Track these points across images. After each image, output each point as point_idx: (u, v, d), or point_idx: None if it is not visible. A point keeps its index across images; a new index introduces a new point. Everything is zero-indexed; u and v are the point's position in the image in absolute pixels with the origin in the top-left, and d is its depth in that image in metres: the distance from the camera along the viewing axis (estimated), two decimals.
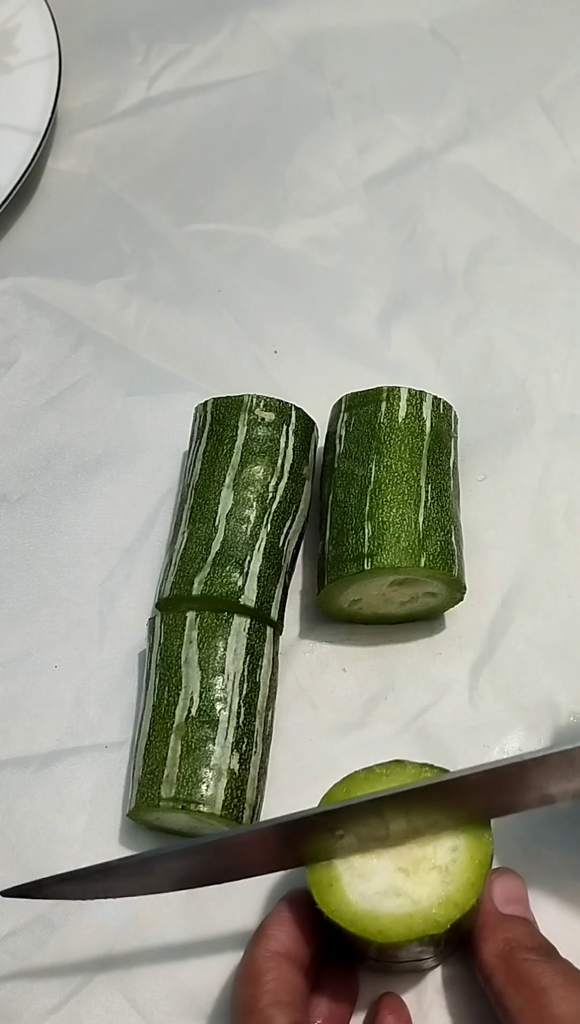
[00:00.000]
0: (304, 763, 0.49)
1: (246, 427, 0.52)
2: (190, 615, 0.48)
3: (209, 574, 0.49)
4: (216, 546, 0.49)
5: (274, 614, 0.49)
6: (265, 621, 0.49)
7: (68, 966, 0.45)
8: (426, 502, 0.50)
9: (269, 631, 0.49)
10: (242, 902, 0.46)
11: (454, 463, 0.53)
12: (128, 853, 0.47)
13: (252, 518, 0.50)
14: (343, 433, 0.53)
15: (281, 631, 0.51)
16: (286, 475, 0.51)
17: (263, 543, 0.50)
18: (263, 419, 0.52)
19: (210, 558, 0.49)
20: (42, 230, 0.67)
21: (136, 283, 0.64)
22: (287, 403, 0.53)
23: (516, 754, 0.48)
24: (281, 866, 0.42)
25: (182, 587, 0.49)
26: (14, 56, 0.70)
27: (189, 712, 0.46)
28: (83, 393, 0.60)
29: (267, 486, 0.51)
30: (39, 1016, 0.44)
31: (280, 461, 0.52)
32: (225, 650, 0.47)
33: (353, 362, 0.60)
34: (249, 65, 0.73)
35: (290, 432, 0.52)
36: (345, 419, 0.53)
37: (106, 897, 0.42)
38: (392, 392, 0.52)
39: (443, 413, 0.53)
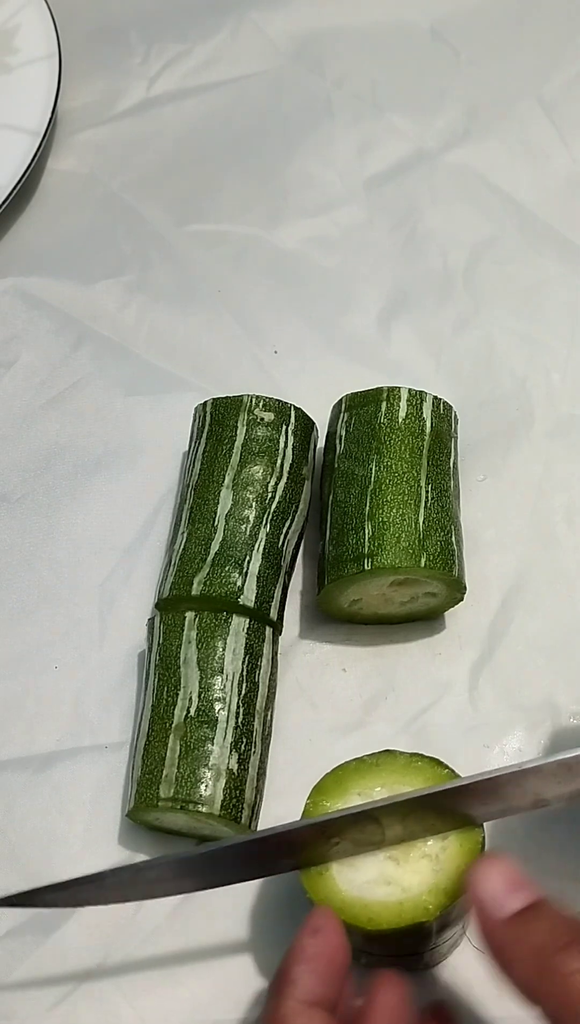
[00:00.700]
0: (304, 763, 0.49)
1: (245, 427, 0.52)
2: (189, 615, 0.48)
3: (208, 574, 0.49)
4: (215, 546, 0.49)
5: (274, 614, 0.49)
6: (264, 621, 0.49)
7: (65, 966, 0.45)
8: (426, 502, 0.50)
9: (268, 631, 0.49)
10: (241, 900, 0.46)
11: (454, 463, 0.53)
12: (128, 853, 0.47)
13: (251, 518, 0.50)
14: (343, 433, 0.53)
15: (281, 631, 0.51)
16: (285, 475, 0.51)
17: (262, 543, 0.50)
18: (262, 419, 0.52)
19: (209, 558, 0.49)
20: (42, 230, 0.67)
21: (136, 283, 0.64)
22: (286, 403, 0.53)
23: (514, 759, 0.48)
24: (276, 872, 0.42)
25: (181, 587, 0.49)
26: (14, 56, 0.70)
27: (188, 712, 0.46)
28: (83, 393, 0.60)
29: (266, 486, 0.51)
30: (36, 1015, 0.44)
31: (279, 461, 0.52)
32: (224, 650, 0.47)
33: (353, 362, 0.60)
34: (249, 65, 0.73)
35: (289, 432, 0.52)
36: (345, 419, 0.53)
37: (99, 904, 0.42)
38: (392, 392, 0.52)
39: (443, 413, 0.53)
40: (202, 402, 0.54)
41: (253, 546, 0.50)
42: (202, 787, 0.44)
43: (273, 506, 0.51)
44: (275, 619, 0.50)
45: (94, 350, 0.62)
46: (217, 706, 0.46)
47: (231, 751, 0.45)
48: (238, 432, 0.52)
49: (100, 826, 0.48)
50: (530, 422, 0.58)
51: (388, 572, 0.48)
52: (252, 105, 0.71)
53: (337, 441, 0.53)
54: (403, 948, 0.41)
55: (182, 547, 0.50)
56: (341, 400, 0.54)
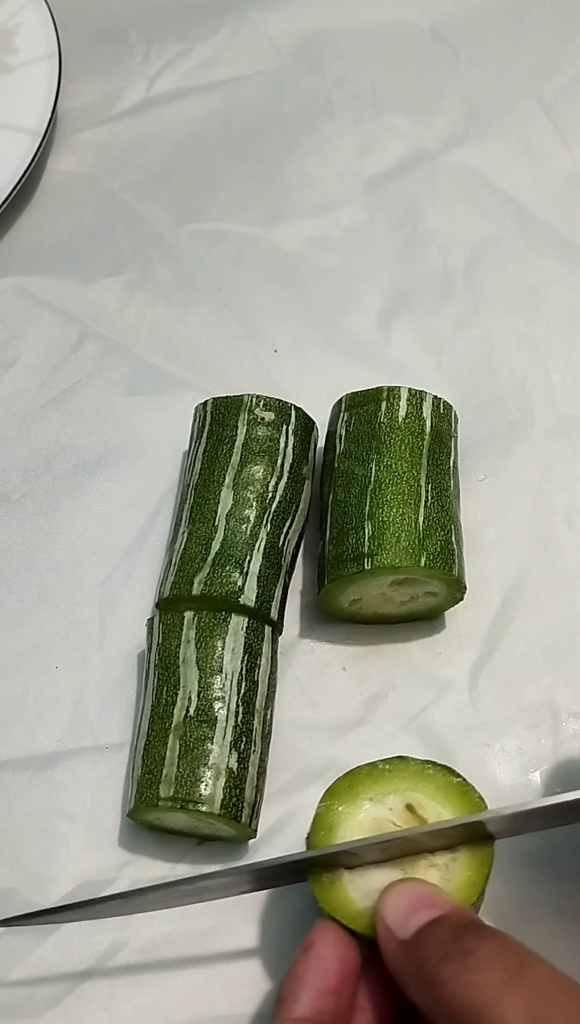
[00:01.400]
0: (304, 762, 0.49)
1: (246, 427, 0.52)
2: (188, 615, 0.48)
3: (209, 574, 0.49)
4: (216, 546, 0.49)
5: (274, 614, 0.49)
6: (264, 620, 0.49)
7: (66, 964, 0.45)
8: (426, 502, 0.50)
9: (267, 630, 0.49)
10: (241, 898, 0.46)
11: (454, 463, 0.53)
12: (128, 853, 0.47)
13: (252, 518, 0.50)
14: (343, 433, 0.53)
15: (281, 631, 0.51)
16: (286, 475, 0.51)
17: (263, 543, 0.50)
18: (263, 419, 0.52)
19: (210, 558, 0.49)
20: (42, 230, 0.67)
21: (136, 282, 0.64)
22: (287, 403, 0.53)
23: (514, 758, 0.48)
24: (280, 884, 0.42)
25: (182, 587, 0.49)
26: (14, 56, 0.70)
27: (187, 712, 0.46)
28: (83, 393, 0.60)
29: (267, 486, 0.51)
30: (37, 1013, 0.44)
31: (280, 461, 0.52)
32: (223, 649, 0.47)
33: (353, 362, 0.60)
34: (249, 65, 0.73)
35: (290, 432, 0.52)
36: (345, 419, 0.53)
37: (99, 918, 0.43)
38: (392, 392, 0.52)
39: (443, 413, 0.53)
40: (202, 402, 0.54)
41: (254, 546, 0.50)
42: (202, 786, 0.44)
43: (273, 506, 0.51)
44: (276, 619, 0.50)
45: (94, 350, 0.62)
46: (216, 705, 0.46)
47: (231, 750, 0.45)
48: (238, 432, 0.52)
49: (101, 826, 0.48)
50: (530, 422, 0.58)
51: (388, 572, 0.48)
52: (252, 105, 0.71)
53: (337, 441, 0.53)
54: None
55: (182, 547, 0.50)
56: (341, 400, 0.54)
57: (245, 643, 0.48)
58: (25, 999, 0.44)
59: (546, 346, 0.61)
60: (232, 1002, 0.44)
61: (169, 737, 0.46)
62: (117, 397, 0.60)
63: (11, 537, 0.56)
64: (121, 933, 0.45)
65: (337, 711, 0.50)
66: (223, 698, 0.46)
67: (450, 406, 0.54)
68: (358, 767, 0.42)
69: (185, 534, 0.51)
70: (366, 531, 0.49)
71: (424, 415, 0.52)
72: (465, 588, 0.50)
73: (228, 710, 0.46)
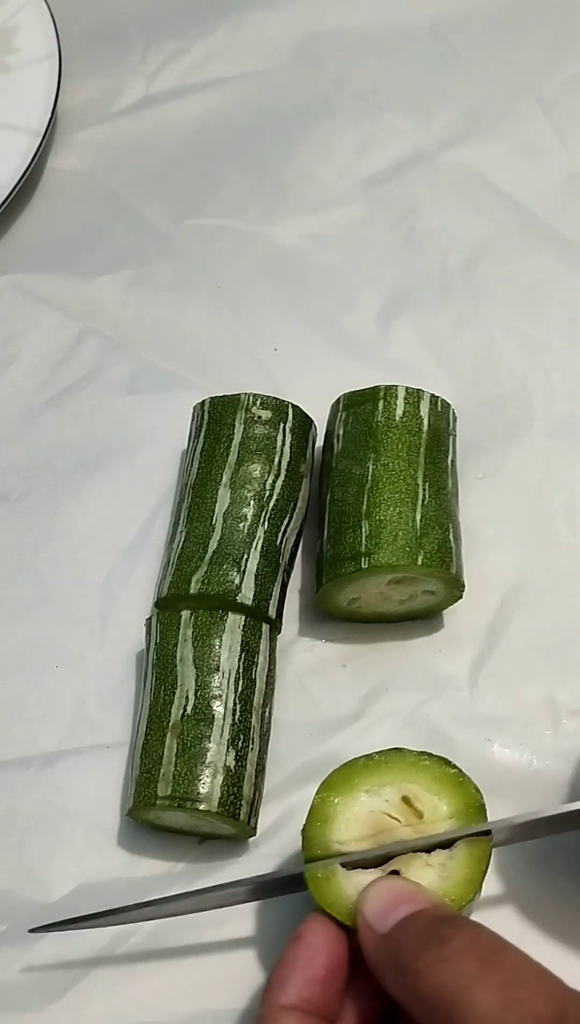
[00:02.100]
0: (304, 759, 0.49)
1: (243, 425, 0.52)
2: (185, 614, 0.48)
3: (206, 573, 0.49)
4: (213, 545, 0.49)
5: (272, 612, 0.49)
6: (262, 619, 0.49)
7: (69, 959, 0.45)
8: (423, 500, 0.50)
9: (265, 628, 0.49)
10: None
11: (452, 461, 0.53)
12: (129, 853, 0.47)
13: (249, 516, 0.50)
14: (341, 432, 0.53)
15: (279, 629, 0.51)
16: (283, 473, 0.51)
17: (260, 541, 0.50)
18: (260, 417, 0.52)
19: (207, 557, 0.49)
20: (42, 228, 0.67)
21: (135, 280, 0.64)
22: (284, 401, 0.53)
23: (515, 755, 0.48)
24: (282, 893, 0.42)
25: (180, 586, 0.49)
26: (14, 56, 0.70)
27: (185, 710, 0.46)
28: (83, 392, 0.60)
29: (264, 484, 0.51)
30: (40, 1007, 0.44)
31: (277, 459, 0.52)
32: (220, 648, 0.47)
33: (353, 360, 0.60)
34: (249, 64, 0.73)
35: (287, 430, 0.52)
36: (343, 418, 0.53)
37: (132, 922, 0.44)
38: (389, 391, 0.52)
39: (441, 411, 0.53)
40: (200, 401, 0.54)
41: (251, 544, 0.50)
42: (200, 785, 0.44)
43: (271, 504, 0.51)
44: (274, 617, 0.50)
45: (94, 348, 0.62)
46: (214, 704, 0.46)
47: (228, 748, 0.45)
48: (236, 430, 0.52)
49: (102, 825, 0.48)
50: (530, 422, 0.58)
51: (385, 570, 0.48)
52: (252, 104, 0.71)
53: (335, 440, 0.53)
54: None
55: (180, 546, 0.50)
56: (339, 399, 0.54)
57: (242, 641, 0.48)
58: (26, 994, 0.44)
59: (546, 346, 0.61)
60: (232, 996, 0.44)
61: (167, 736, 0.46)
62: (117, 396, 0.60)
63: (11, 537, 0.56)
64: (121, 928, 0.45)
65: (337, 709, 0.50)
66: (220, 696, 0.46)
67: (448, 405, 0.54)
68: (354, 759, 0.42)
69: (183, 533, 0.51)
70: (363, 530, 0.49)
71: (421, 414, 0.52)
72: (463, 586, 0.50)
73: (225, 708, 0.46)
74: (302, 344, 0.61)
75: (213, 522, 0.50)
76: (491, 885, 0.44)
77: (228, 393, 0.53)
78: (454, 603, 0.51)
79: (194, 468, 0.52)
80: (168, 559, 0.51)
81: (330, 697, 0.51)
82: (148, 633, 0.50)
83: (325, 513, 0.51)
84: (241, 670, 0.47)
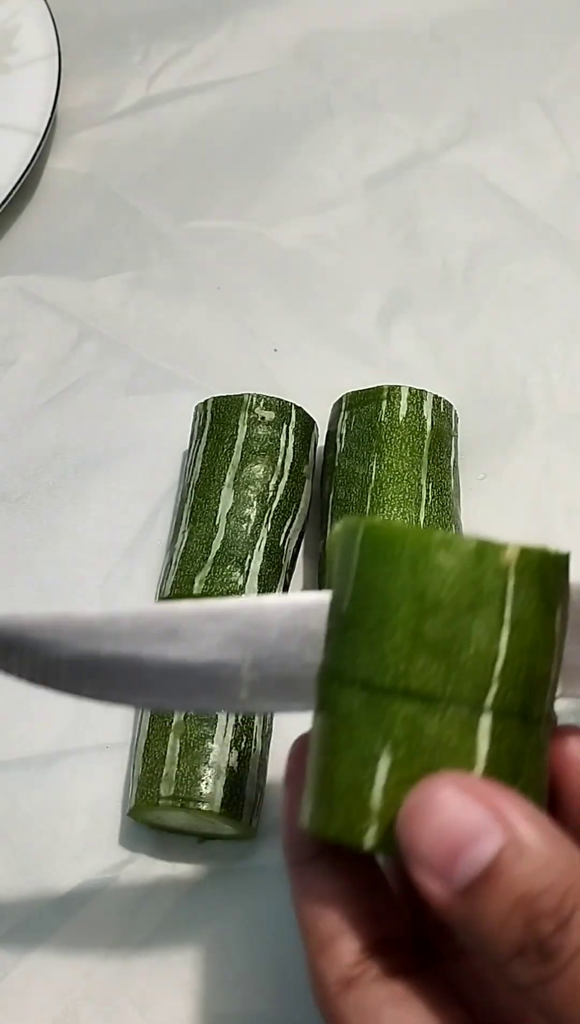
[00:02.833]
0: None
1: (246, 426, 0.52)
2: None
3: (210, 573, 0.49)
4: (216, 545, 0.49)
5: None
6: None
7: (66, 964, 0.45)
8: (427, 501, 0.50)
9: None
10: (242, 897, 0.46)
11: (454, 462, 0.53)
12: (129, 852, 0.47)
13: (252, 517, 0.50)
14: (344, 432, 0.53)
15: None
16: (286, 474, 0.52)
17: (264, 542, 0.50)
18: (263, 418, 0.52)
19: (211, 557, 0.49)
20: (42, 229, 0.67)
21: (136, 281, 0.64)
22: (287, 402, 0.53)
23: None
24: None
25: (183, 586, 0.49)
26: (14, 56, 0.70)
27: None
28: (83, 392, 0.60)
29: (267, 485, 0.51)
30: (36, 1013, 0.44)
31: (280, 460, 0.52)
32: None
33: (353, 361, 0.60)
34: (249, 64, 0.73)
35: (290, 431, 0.52)
36: (345, 418, 0.53)
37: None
38: (393, 391, 0.52)
39: (443, 412, 0.53)
40: (202, 401, 0.54)
41: (254, 545, 0.50)
42: (202, 785, 0.44)
43: (274, 505, 0.51)
44: None
45: (94, 349, 0.62)
46: None
47: (231, 748, 0.45)
48: (239, 431, 0.52)
49: (102, 825, 0.48)
50: (530, 422, 0.58)
51: None
52: (252, 104, 0.71)
53: (338, 440, 0.53)
54: None
55: (183, 546, 0.50)
56: (341, 399, 0.54)
57: None
58: (26, 994, 0.44)
59: (546, 346, 0.61)
60: (234, 999, 0.44)
61: (169, 736, 0.46)
62: (117, 396, 0.60)
63: (11, 537, 0.56)
64: (122, 932, 0.45)
65: None
66: None
67: (450, 405, 0.54)
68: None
69: (186, 533, 0.51)
70: None
71: (425, 414, 0.52)
72: None
73: None
74: (302, 344, 0.61)
75: (216, 522, 0.50)
76: None
77: (229, 393, 0.53)
78: None
79: (197, 468, 0.52)
80: (171, 559, 0.51)
81: None
82: None
83: (328, 513, 0.51)
84: None
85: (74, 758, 0.50)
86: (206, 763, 0.45)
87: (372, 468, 0.50)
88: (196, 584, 0.49)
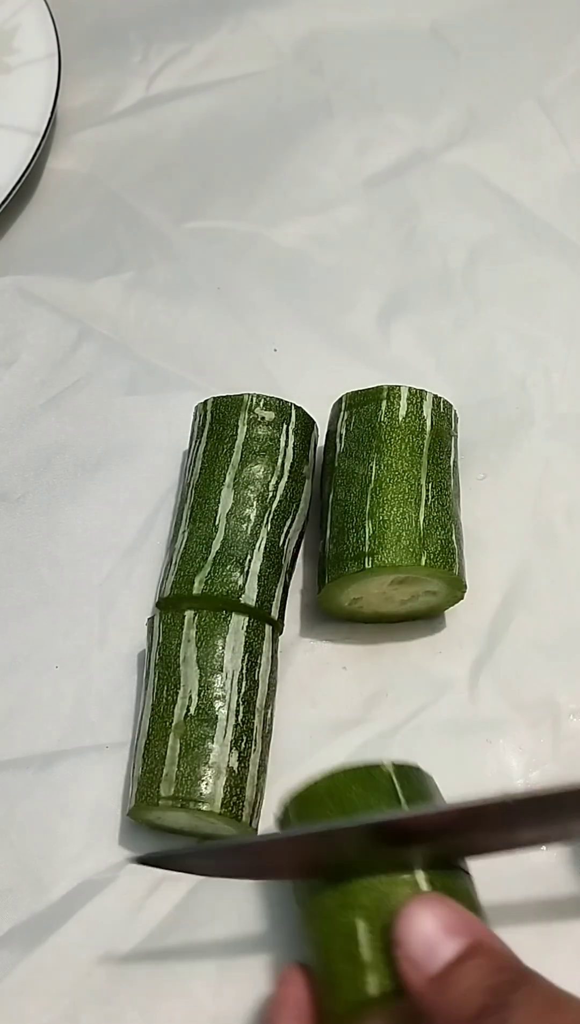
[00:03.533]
0: (305, 760, 0.49)
1: (246, 426, 0.52)
2: (188, 614, 0.48)
3: (209, 573, 0.49)
4: (216, 545, 0.49)
5: (274, 613, 0.49)
6: (265, 620, 0.49)
7: (66, 966, 0.45)
8: (427, 501, 0.50)
9: (267, 629, 0.49)
10: (241, 899, 0.46)
11: (454, 462, 0.53)
12: (129, 853, 0.47)
13: (252, 517, 0.50)
14: (343, 432, 0.53)
15: (281, 630, 0.51)
16: (286, 474, 0.51)
17: (263, 542, 0.50)
18: (263, 418, 0.52)
19: (210, 557, 0.49)
20: (42, 229, 0.67)
21: (135, 281, 0.64)
22: (287, 402, 0.53)
23: (515, 755, 0.48)
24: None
25: (183, 586, 0.49)
26: (14, 56, 0.70)
27: (188, 711, 0.46)
28: (83, 392, 0.60)
29: (267, 485, 0.51)
30: (36, 1015, 0.44)
31: (280, 460, 0.52)
32: (223, 648, 0.47)
33: (353, 361, 0.60)
34: (249, 64, 0.73)
35: (290, 431, 0.52)
36: (345, 418, 0.53)
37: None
38: (393, 391, 0.52)
39: (443, 412, 0.53)
40: (202, 401, 0.54)
41: (254, 545, 0.50)
42: (202, 785, 0.44)
43: (274, 505, 0.51)
44: (276, 618, 0.50)
45: (94, 349, 0.62)
46: (217, 704, 0.46)
47: (231, 749, 0.45)
48: (239, 431, 0.52)
49: (101, 826, 0.48)
50: (530, 422, 0.58)
51: (389, 571, 0.48)
52: (252, 104, 0.71)
53: (337, 440, 0.53)
54: None
55: (183, 546, 0.50)
56: (341, 399, 0.54)
57: (245, 642, 0.48)
58: (24, 1001, 0.44)
59: (546, 346, 0.61)
60: (232, 1002, 0.44)
61: (170, 736, 0.46)
62: (117, 396, 0.60)
63: (11, 537, 0.56)
64: (121, 935, 0.45)
65: (337, 710, 0.50)
66: (224, 697, 0.46)
67: (450, 405, 0.54)
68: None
69: (185, 533, 0.51)
70: (367, 530, 0.49)
71: (424, 414, 0.52)
72: (465, 587, 0.50)
73: (229, 709, 0.46)
74: (302, 344, 0.61)
75: (216, 523, 0.50)
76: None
77: (229, 393, 0.53)
78: (455, 603, 0.51)
79: (197, 468, 0.52)
80: (170, 559, 0.51)
81: (331, 698, 0.51)
82: (150, 633, 0.49)
83: (327, 513, 0.51)
84: (244, 671, 0.47)
85: (74, 758, 0.50)
86: (206, 763, 0.45)
87: (372, 468, 0.50)
88: (196, 584, 0.49)
